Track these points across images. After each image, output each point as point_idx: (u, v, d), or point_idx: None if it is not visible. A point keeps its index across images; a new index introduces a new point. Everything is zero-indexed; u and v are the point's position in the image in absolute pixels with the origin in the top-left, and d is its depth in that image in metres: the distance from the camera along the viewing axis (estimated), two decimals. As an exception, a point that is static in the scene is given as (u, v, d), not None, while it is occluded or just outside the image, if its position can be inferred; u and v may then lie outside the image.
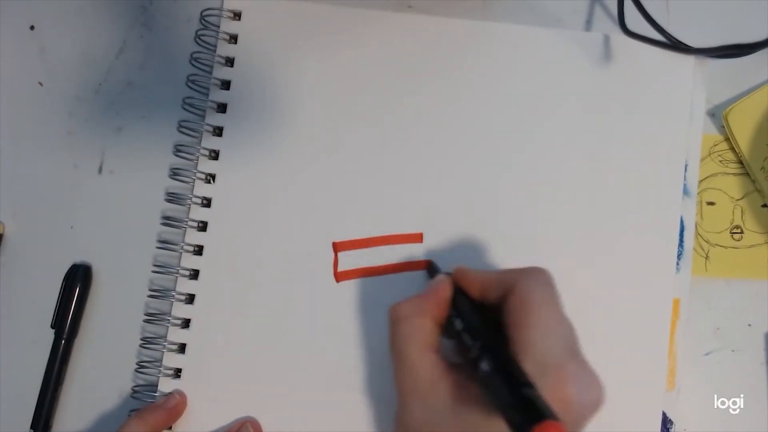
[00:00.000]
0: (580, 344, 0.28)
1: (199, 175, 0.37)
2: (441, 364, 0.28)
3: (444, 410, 0.26)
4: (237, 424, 0.35)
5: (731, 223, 0.37)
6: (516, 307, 0.27)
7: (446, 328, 0.30)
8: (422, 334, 0.29)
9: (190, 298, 0.37)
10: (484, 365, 0.25)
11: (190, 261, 0.37)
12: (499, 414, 0.24)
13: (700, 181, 0.37)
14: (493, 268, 0.36)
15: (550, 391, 0.24)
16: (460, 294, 0.30)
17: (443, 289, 0.30)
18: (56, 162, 0.39)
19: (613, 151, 0.37)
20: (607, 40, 0.38)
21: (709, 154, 0.38)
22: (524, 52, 0.38)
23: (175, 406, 0.35)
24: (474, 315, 0.29)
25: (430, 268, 0.36)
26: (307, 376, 0.36)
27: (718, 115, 0.38)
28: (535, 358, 0.25)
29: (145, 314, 0.37)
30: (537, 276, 0.28)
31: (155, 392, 0.36)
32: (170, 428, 0.35)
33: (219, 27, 0.39)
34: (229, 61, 0.39)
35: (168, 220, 0.37)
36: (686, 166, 0.37)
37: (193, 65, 0.38)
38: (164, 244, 0.37)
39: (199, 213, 0.37)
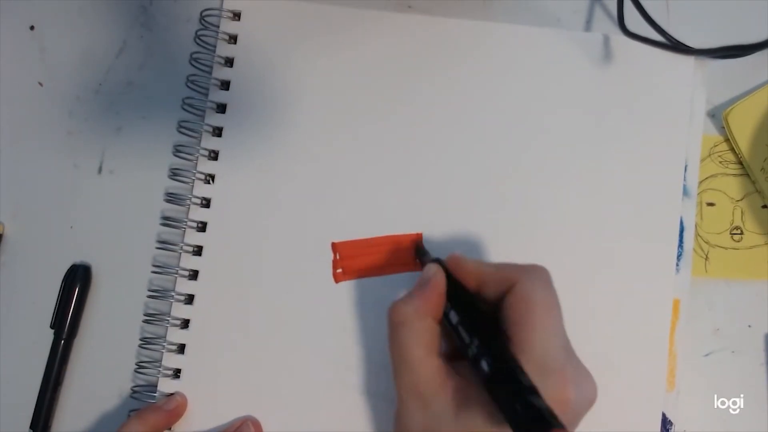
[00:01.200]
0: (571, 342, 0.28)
1: (198, 175, 0.37)
2: (444, 367, 0.27)
3: (447, 416, 0.26)
4: (237, 422, 0.35)
5: (731, 224, 0.37)
6: (518, 305, 0.27)
7: (441, 319, 0.29)
8: (425, 338, 0.28)
9: (190, 299, 0.37)
10: (485, 365, 0.25)
11: (189, 261, 0.37)
12: (503, 419, 0.24)
13: (700, 182, 0.37)
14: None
15: (550, 392, 0.24)
16: (454, 284, 0.29)
17: (439, 284, 0.29)
18: (56, 162, 0.39)
19: (613, 152, 0.37)
20: (606, 40, 0.38)
21: (709, 155, 0.38)
22: (524, 52, 0.38)
23: (176, 408, 0.35)
24: (471, 309, 0.28)
25: (417, 247, 0.35)
26: (306, 375, 0.36)
27: (718, 115, 0.38)
28: (536, 359, 0.25)
29: (145, 314, 0.37)
30: (539, 275, 0.28)
31: (155, 392, 0.36)
32: (170, 429, 0.36)
33: (219, 27, 0.39)
34: (229, 62, 0.39)
35: (167, 221, 0.37)
36: (686, 166, 0.37)
37: (192, 65, 0.38)
38: (164, 244, 0.37)
39: (198, 213, 0.37)
